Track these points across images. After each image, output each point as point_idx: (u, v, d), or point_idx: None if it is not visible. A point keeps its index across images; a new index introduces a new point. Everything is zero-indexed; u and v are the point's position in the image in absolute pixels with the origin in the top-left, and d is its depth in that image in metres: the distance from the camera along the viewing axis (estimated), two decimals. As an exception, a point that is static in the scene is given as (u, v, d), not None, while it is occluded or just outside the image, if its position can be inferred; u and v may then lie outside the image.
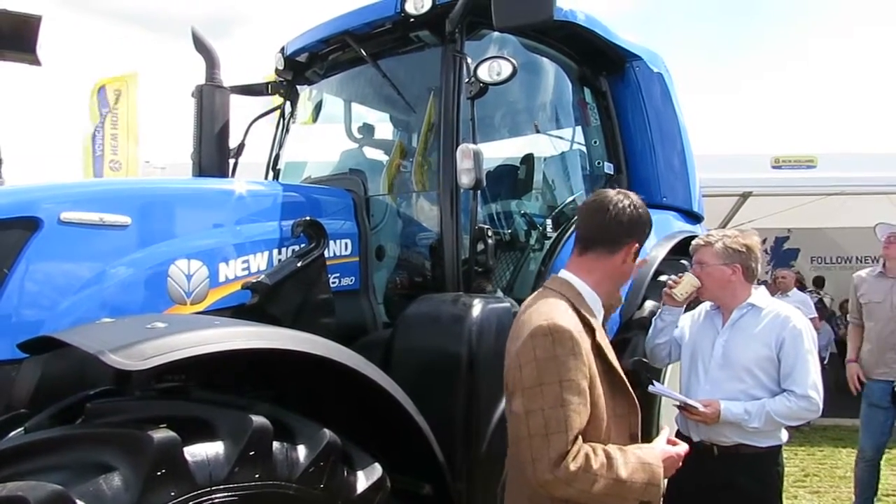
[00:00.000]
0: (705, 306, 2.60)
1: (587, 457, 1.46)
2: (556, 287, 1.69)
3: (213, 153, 2.80)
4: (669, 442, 1.69)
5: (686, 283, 2.50)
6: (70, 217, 2.00)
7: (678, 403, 2.37)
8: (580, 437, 1.48)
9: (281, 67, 3.33)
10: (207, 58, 2.77)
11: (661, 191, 3.56)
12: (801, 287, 10.69)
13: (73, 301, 1.98)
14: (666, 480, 1.60)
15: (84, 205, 2.06)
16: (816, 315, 6.92)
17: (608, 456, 1.49)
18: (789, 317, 2.32)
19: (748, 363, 2.31)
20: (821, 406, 2.26)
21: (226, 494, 1.39)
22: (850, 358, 4.22)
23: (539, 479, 1.46)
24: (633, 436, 1.67)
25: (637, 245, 1.71)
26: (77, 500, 1.21)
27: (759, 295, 2.43)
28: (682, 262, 3.16)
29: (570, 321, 1.55)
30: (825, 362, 8.62)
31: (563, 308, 1.59)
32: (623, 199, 1.73)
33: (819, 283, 10.51)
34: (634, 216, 1.71)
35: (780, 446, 2.35)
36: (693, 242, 2.57)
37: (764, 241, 11.75)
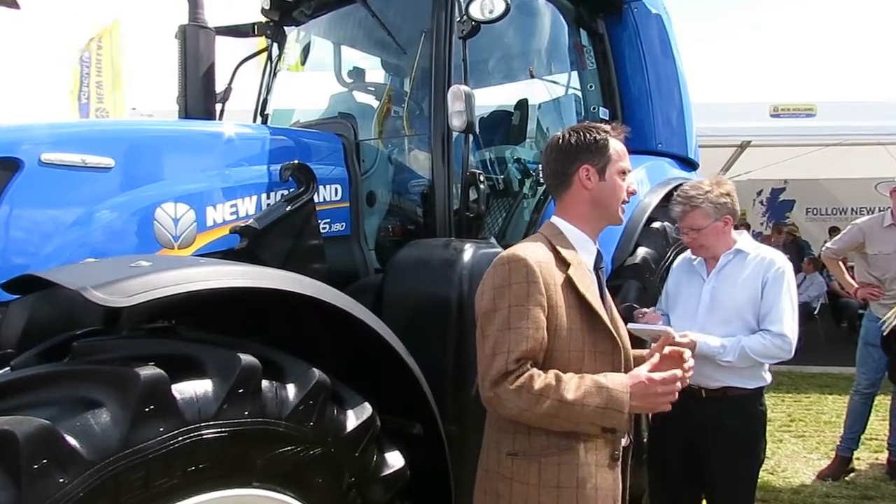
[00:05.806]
0: (685, 257, 2.61)
1: (531, 377, 1.49)
2: (543, 230, 1.74)
3: (199, 97, 2.73)
4: (655, 370, 1.58)
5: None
6: (51, 158, 1.95)
7: (654, 337, 2.36)
8: (529, 361, 1.51)
9: (267, 7, 3.21)
10: (191, -3, 2.67)
11: (657, 136, 3.50)
12: (795, 238, 10.70)
13: (56, 245, 1.94)
14: (650, 414, 1.60)
15: (65, 146, 2.01)
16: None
17: (558, 379, 1.50)
18: (773, 259, 2.37)
19: (736, 307, 2.35)
20: (794, 347, 2.29)
21: (215, 430, 1.39)
22: (854, 289, 4.22)
23: (484, 395, 1.55)
24: None
25: (589, 166, 1.67)
26: (65, 435, 1.21)
27: (744, 240, 2.46)
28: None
29: (532, 253, 1.58)
30: (816, 312, 8.71)
31: (535, 245, 1.64)
32: (562, 132, 1.74)
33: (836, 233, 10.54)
34: (571, 142, 1.70)
35: (763, 388, 2.41)
36: (676, 211, 2.47)
37: (760, 193, 11.75)
